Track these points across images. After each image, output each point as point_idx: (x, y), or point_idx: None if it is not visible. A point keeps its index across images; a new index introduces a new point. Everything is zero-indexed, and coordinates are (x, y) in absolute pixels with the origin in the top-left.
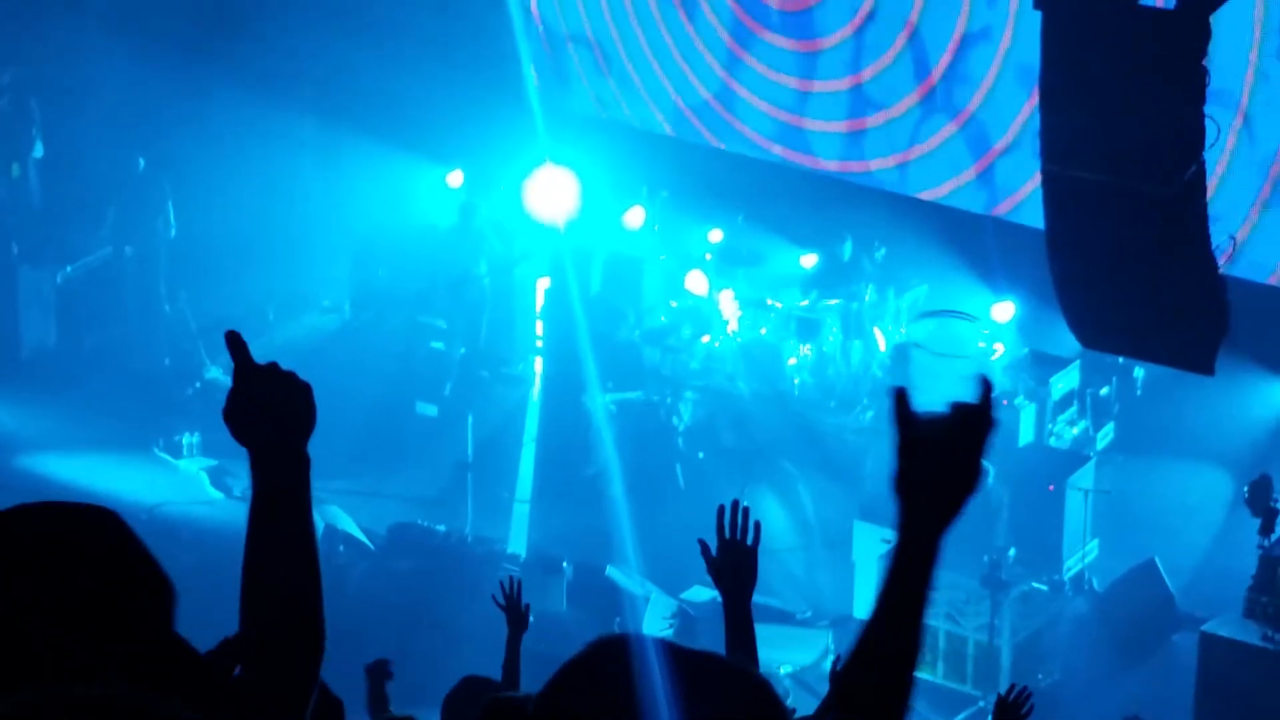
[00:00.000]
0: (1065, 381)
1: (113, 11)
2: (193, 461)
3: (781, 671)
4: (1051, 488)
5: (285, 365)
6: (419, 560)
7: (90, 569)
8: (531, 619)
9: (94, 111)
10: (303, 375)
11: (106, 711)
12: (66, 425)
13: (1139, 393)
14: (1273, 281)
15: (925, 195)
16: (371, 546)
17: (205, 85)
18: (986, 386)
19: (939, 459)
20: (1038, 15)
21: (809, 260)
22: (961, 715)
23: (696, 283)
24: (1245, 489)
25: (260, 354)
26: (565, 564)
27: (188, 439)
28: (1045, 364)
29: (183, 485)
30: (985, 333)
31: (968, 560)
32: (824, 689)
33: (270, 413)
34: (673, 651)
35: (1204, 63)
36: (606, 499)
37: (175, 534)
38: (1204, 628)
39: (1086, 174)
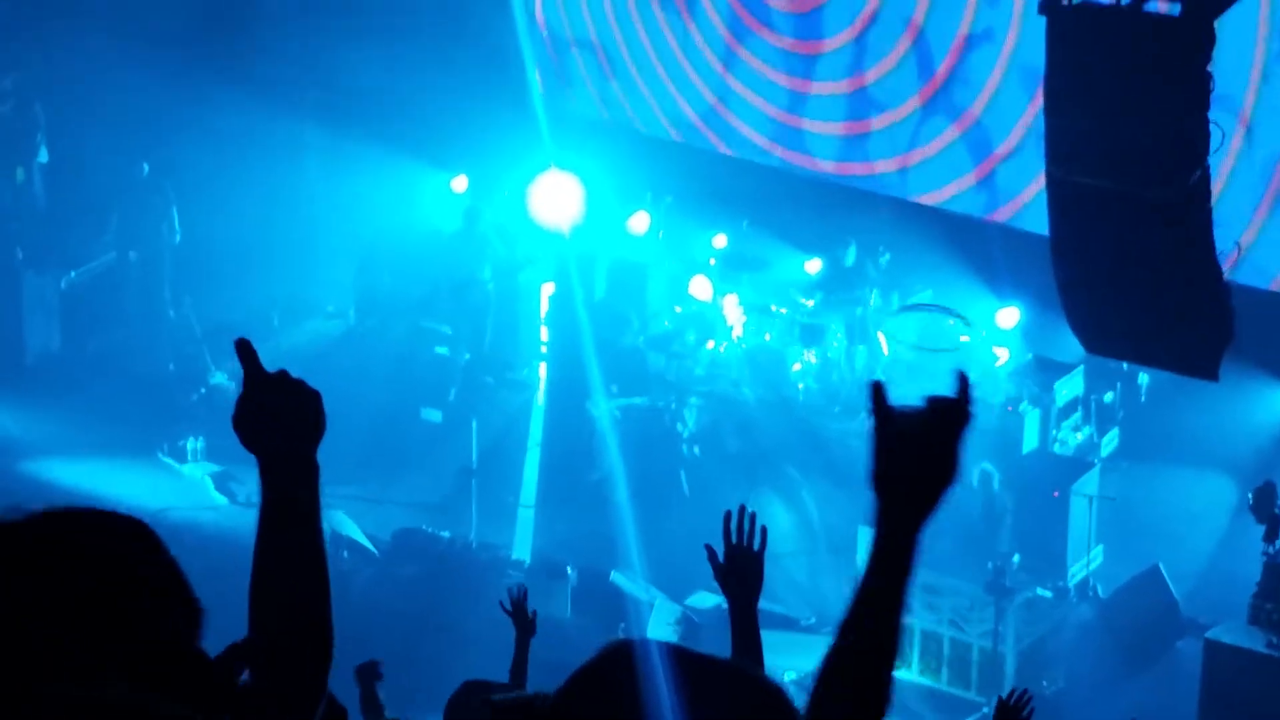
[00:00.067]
0: (1070, 387)
1: (117, 17)
2: (197, 467)
3: (786, 677)
4: (1056, 494)
5: (291, 371)
6: (423, 566)
7: (118, 578)
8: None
9: (98, 117)
10: (307, 381)
11: (111, 713)
12: (71, 430)
13: (1143, 399)
14: (1276, 287)
15: (927, 198)
16: (376, 552)
17: (209, 91)
18: (964, 381)
19: (916, 453)
20: (1041, 17)
21: (813, 266)
22: None
23: (701, 288)
24: (1250, 495)
25: (265, 359)
26: (570, 569)
27: (192, 444)
28: (1049, 370)
29: (187, 490)
30: (966, 326)
31: (972, 566)
32: None
33: (280, 420)
34: (684, 656)
35: (1208, 68)
36: (611, 504)
37: (180, 539)
38: (1208, 634)
39: (1091, 179)
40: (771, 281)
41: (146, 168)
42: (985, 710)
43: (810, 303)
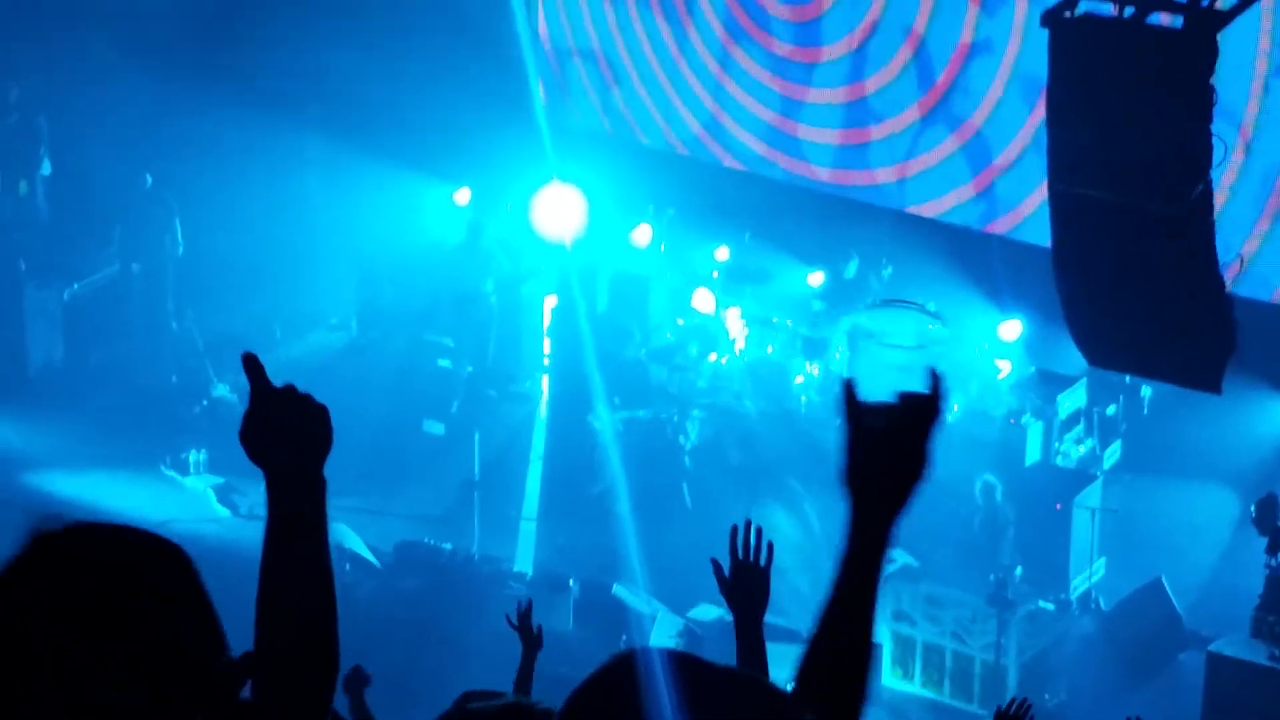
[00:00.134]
0: (1072, 400)
1: (120, 30)
2: (200, 479)
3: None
4: (1058, 506)
5: (295, 384)
6: (426, 578)
7: (145, 596)
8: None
9: (102, 129)
10: (307, 391)
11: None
12: (73, 442)
13: (1146, 411)
14: (1278, 299)
15: (927, 208)
16: (378, 565)
17: (212, 103)
18: (935, 377)
19: (886, 450)
20: (1042, 28)
21: (815, 278)
22: None
23: (703, 301)
24: (1252, 508)
25: (267, 372)
26: (572, 582)
27: (194, 456)
28: (1052, 382)
29: (189, 503)
30: (939, 323)
31: (974, 579)
32: None
33: (286, 435)
34: (689, 664)
35: (1211, 81)
36: (613, 517)
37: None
38: (1211, 647)
39: (1093, 192)
40: (774, 294)
41: (149, 180)
42: None
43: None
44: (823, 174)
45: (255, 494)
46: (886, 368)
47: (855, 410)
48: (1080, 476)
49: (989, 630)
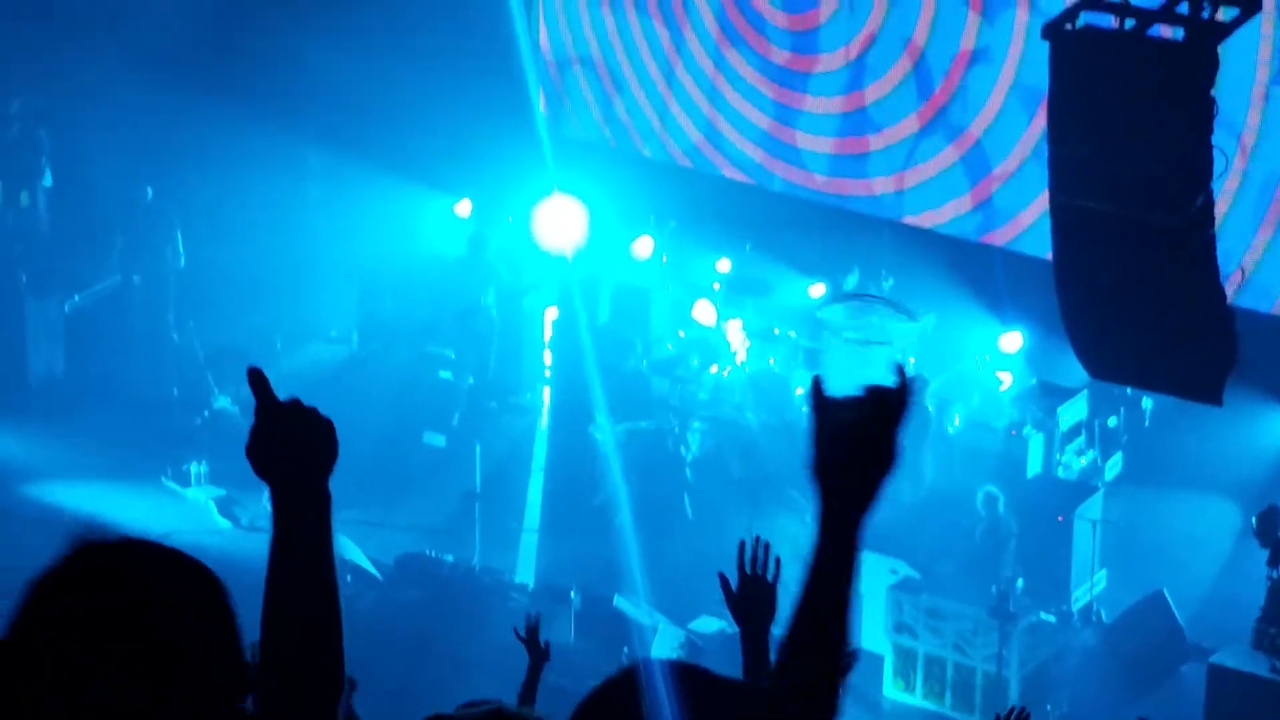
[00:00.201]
0: (1073, 412)
1: (122, 42)
2: (201, 491)
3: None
4: (1060, 518)
5: (293, 395)
6: (427, 590)
7: (179, 619)
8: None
9: (103, 141)
10: (309, 404)
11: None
12: (74, 454)
13: (1147, 423)
14: (1279, 310)
15: (926, 218)
16: (379, 577)
17: (213, 115)
18: (902, 371)
19: (855, 443)
20: (1038, 33)
21: (816, 290)
22: None
23: (704, 313)
24: (1253, 520)
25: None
26: (573, 594)
27: (196, 468)
28: (1053, 394)
29: (191, 514)
30: (908, 318)
31: (976, 590)
32: None
33: (292, 449)
34: (692, 675)
35: (1212, 93)
36: (614, 529)
37: None
38: (1212, 659)
39: (1094, 204)
40: (775, 306)
41: (150, 192)
42: None
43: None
44: (821, 183)
45: (256, 506)
46: (854, 362)
47: (823, 405)
48: (1081, 488)
49: (990, 642)
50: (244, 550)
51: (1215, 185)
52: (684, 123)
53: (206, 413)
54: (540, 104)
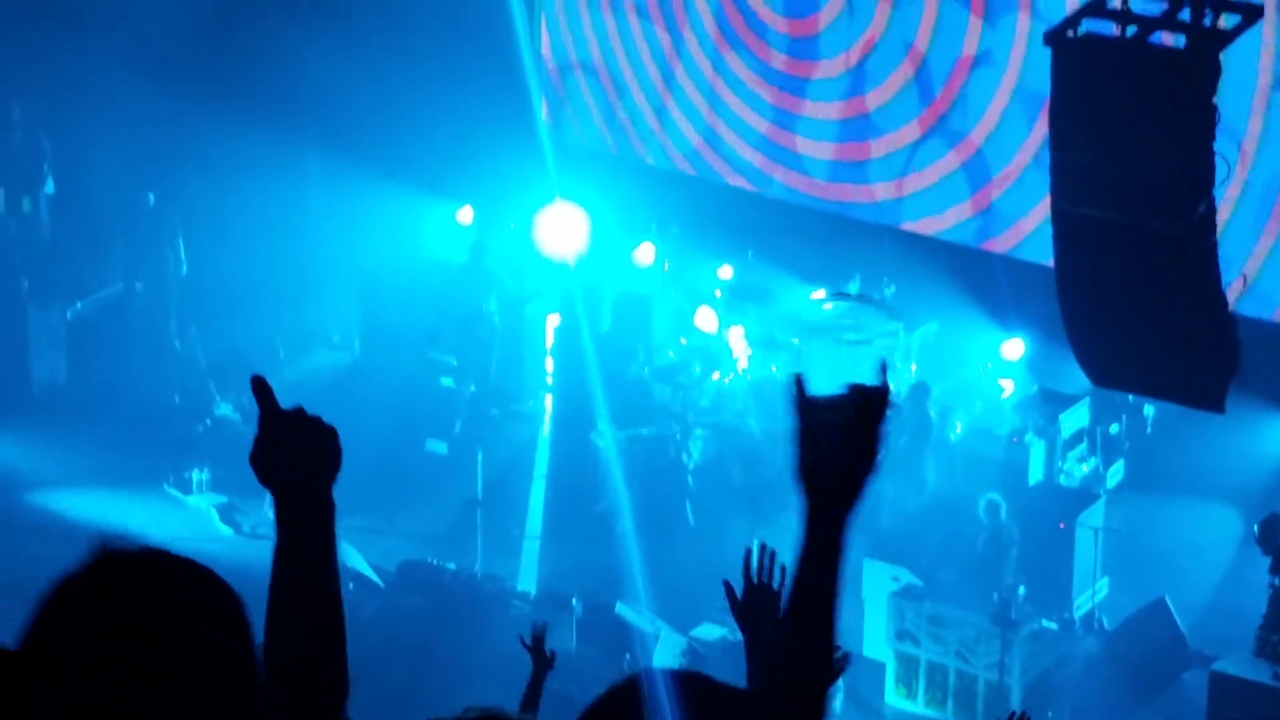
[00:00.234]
0: (1075, 419)
1: (124, 48)
2: (202, 498)
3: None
4: (1062, 526)
5: (297, 403)
6: (429, 597)
7: (197, 630)
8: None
9: (105, 147)
10: (312, 411)
11: None
12: (76, 461)
13: (1149, 430)
14: None
15: (927, 224)
16: (381, 584)
17: (215, 122)
18: (884, 369)
19: (839, 442)
20: (1040, 38)
21: (818, 297)
22: None
23: (706, 320)
24: (1255, 527)
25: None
26: (575, 601)
27: (197, 475)
28: (1055, 402)
29: (192, 522)
30: (890, 318)
31: (978, 598)
32: None
33: (295, 457)
34: (694, 684)
35: (1214, 100)
36: (616, 536)
37: None
38: (1214, 666)
39: (1096, 211)
40: (777, 313)
41: (152, 198)
42: None
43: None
44: (821, 188)
45: (258, 513)
46: (837, 361)
47: (805, 405)
48: (1083, 496)
49: (993, 650)
50: (246, 557)
51: (1217, 192)
52: (684, 127)
53: (208, 420)
54: (542, 111)
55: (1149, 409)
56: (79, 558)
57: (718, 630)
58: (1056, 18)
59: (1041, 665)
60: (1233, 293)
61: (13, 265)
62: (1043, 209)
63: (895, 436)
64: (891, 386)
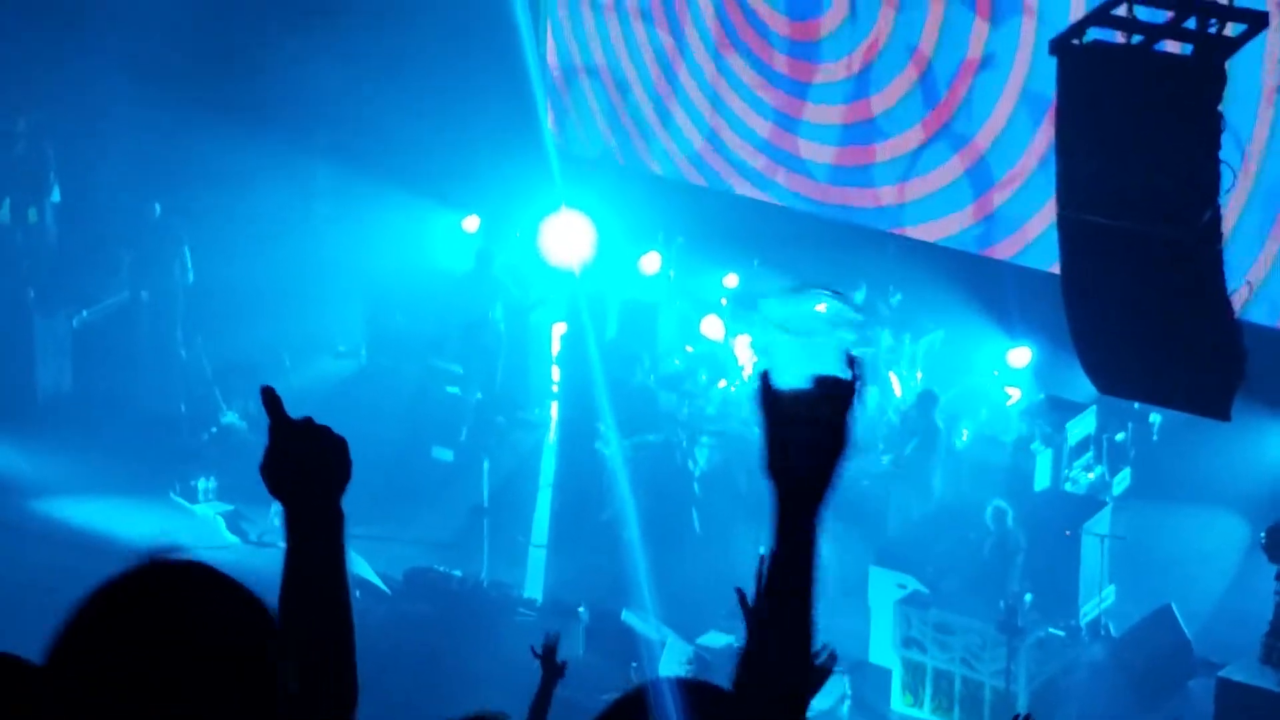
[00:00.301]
0: (1081, 427)
1: (129, 58)
2: (209, 506)
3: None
4: (1068, 533)
5: (306, 413)
6: (435, 605)
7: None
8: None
9: (111, 157)
10: (320, 421)
11: None
12: (82, 469)
13: (1155, 438)
14: None
15: (930, 228)
16: (388, 591)
17: (221, 131)
18: (851, 359)
19: (807, 434)
20: (1044, 42)
21: (822, 308)
22: None
23: (713, 328)
24: (1262, 534)
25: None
26: (581, 609)
27: (204, 484)
28: (1062, 409)
29: (199, 530)
30: (853, 309)
31: (984, 605)
32: None
33: (305, 468)
34: (701, 693)
35: (1219, 108)
36: (622, 544)
37: None
38: (1221, 673)
39: (1102, 218)
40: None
41: (158, 208)
42: None
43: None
44: (825, 192)
45: (264, 521)
46: (802, 354)
47: (773, 401)
48: (1090, 503)
49: (999, 657)
50: (252, 565)
51: (1222, 200)
52: (687, 129)
53: (214, 428)
54: (548, 119)
55: (1155, 416)
56: (114, 569)
57: (724, 638)
58: (1061, 20)
59: (1048, 672)
60: (1238, 300)
61: (19, 274)
62: (1047, 214)
63: (902, 443)
64: (858, 377)
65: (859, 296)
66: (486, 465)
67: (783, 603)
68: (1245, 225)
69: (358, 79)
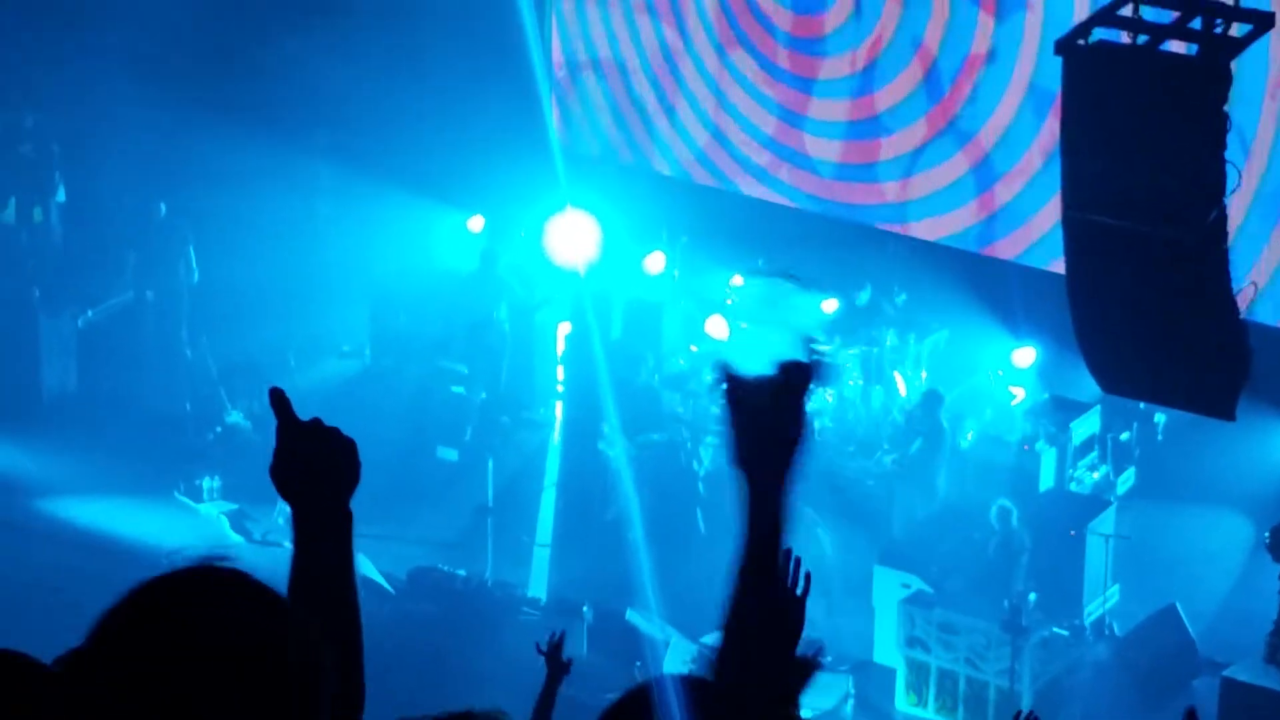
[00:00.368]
0: (1086, 426)
1: (134, 59)
2: (213, 506)
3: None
4: (1073, 533)
5: (306, 410)
6: (440, 604)
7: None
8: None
9: (116, 157)
10: (328, 422)
11: None
12: (87, 469)
13: (1160, 438)
14: None
15: (934, 225)
16: (392, 591)
17: (225, 132)
18: (811, 345)
19: (769, 420)
20: (1049, 38)
21: (829, 305)
22: None
23: (717, 327)
24: (1266, 534)
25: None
26: (585, 608)
27: (208, 483)
28: (1066, 409)
29: (203, 529)
30: (817, 293)
31: (989, 605)
32: None
33: (314, 469)
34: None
35: (1225, 108)
36: (627, 543)
37: None
38: (1225, 673)
39: (1107, 218)
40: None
41: (163, 208)
42: None
43: (827, 348)
44: (829, 188)
45: (268, 520)
46: (764, 343)
47: (734, 389)
48: (1094, 502)
49: (1003, 656)
50: (256, 565)
51: (1228, 200)
52: (691, 126)
53: (219, 428)
54: (553, 118)
55: (1160, 416)
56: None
57: None
58: (1065, 14)
59: (1052, 672)
60: (1243, 299)
61: (24, 274)
62: (1050, 210)
63: (906, 443)
64: (818, 361)
65: (864, 296)
66: (491, 465)
67: (756, 590)
68: (1250, 225)
69: (361, 78)
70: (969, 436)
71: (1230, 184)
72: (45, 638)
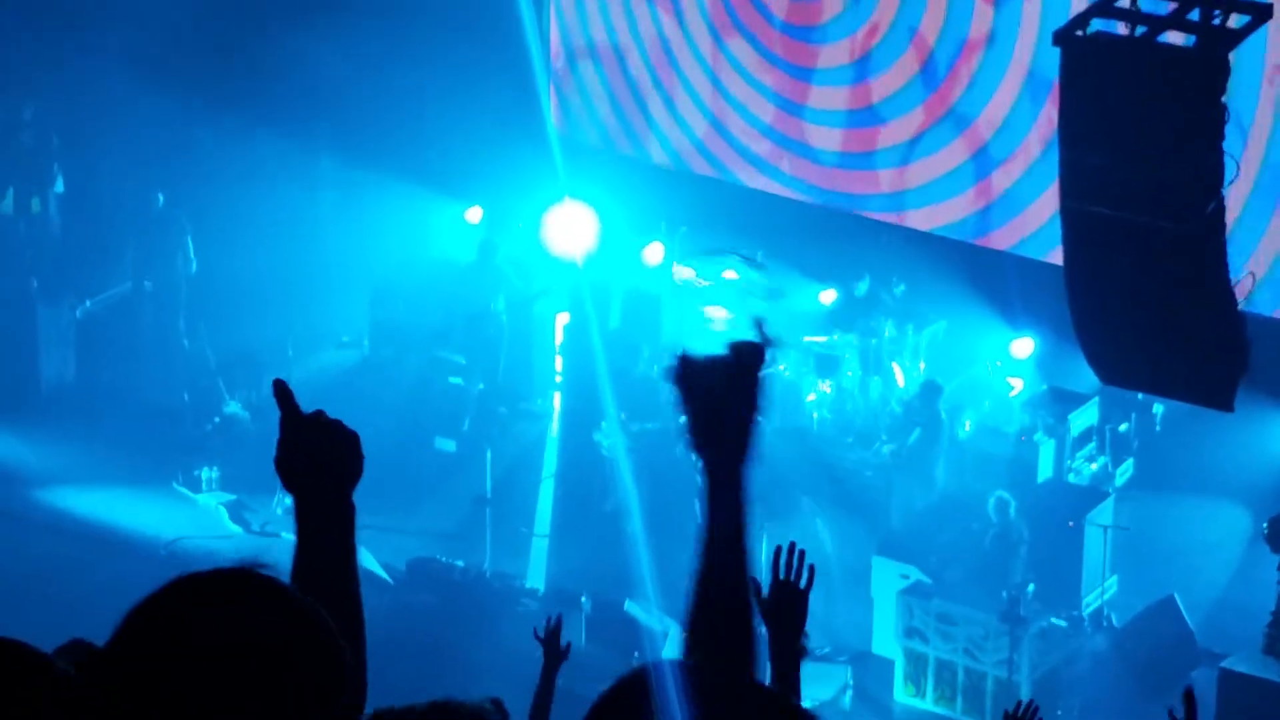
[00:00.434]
0: (1084, 418)
1: (134, 48)
2: (211, 496)
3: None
4: (1071, 524)
5: (304, 400)
6: (438, 595)
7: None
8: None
9: (115, 148)
10: (321, 410)
11: None
12: (85, 459)
13: (1158, 429)
14: None
15: (931, 214)
16: (390, 581)
17: (224, 122)
18: (761, 325)
19: (721, 400)
20: (1047, 24)
21: (828, 296)
22: None
23: (716, 317)
24: (1265, 525)
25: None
26: (584, 599)
27: (207, 474)
28: (1064, 400)
29: (201, 520)
30: (759, 269)
31: (987, 596)
32: None
33: (317, 461)
34: (703, 677)
35: (1223, 100)
36: (625, 534)
37: (194, 569)
38: (1223, 664)
39: (1105, 210)
40: (786, 312)
41: (162, 198)
42: None
43: (823, 339)
44: (827, 177)
45: (267, 511)
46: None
47: (687, 372)
48: (1092, 494)
49: (1001, 647)
50: (255, 555)
51: (1226, 192)
52: (689, 114)
53: (217, 418)
54: (552, 108)
55: (1158, 407)
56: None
57: None
58: (1062, 3)
59: (1050, 663)
60: (1241, 290)
61: (22, 264)
62: (1048, 200)
63: (904, 434)
64: (768, 340)
65: (863, 287)
66: (489, 455)
67: (720, 572)
68: (1248, 216)
69: (360, 70)
70: (967, 427)
71: (1228, 175)
72: (44, 627)
